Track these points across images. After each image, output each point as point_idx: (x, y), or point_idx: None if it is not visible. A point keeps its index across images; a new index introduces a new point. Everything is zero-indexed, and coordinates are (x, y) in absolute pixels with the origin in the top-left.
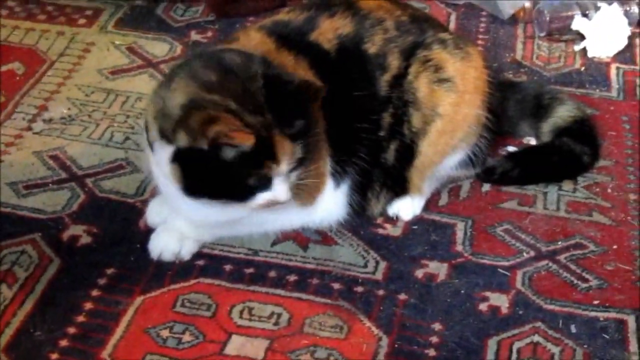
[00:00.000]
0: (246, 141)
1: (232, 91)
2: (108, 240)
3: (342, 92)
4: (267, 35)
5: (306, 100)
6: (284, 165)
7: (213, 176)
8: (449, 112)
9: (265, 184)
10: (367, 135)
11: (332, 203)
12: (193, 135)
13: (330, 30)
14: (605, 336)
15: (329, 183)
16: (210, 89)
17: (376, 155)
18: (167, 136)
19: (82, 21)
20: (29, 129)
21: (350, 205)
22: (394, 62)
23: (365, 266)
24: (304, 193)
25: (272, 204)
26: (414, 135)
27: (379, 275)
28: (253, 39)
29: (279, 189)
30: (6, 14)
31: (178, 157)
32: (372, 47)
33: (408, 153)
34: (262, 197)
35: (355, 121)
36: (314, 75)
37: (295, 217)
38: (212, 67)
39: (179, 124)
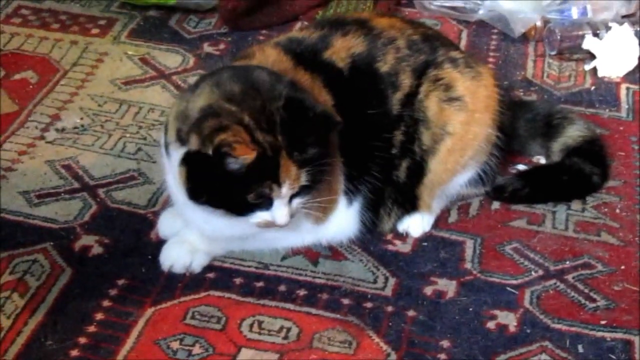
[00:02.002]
0: (247, 155)
1: (250, 106)
2: (119, 251)
3: (355, 111)
4: (284, 53)
5: (323, 130)
6: (286, 189)
7: (215, 184)
8: (459, 130)
9: (265, 203)
10: (379, 153)
11: (344, 221)
12: (203, 139)
13: (343, 49)
14: (612, 356)
15: (342, 201)
16: (231, 99)
17: (388, 173)
18: (182, 138)
19: (95, 31)
20: (42, 138)
21: (362, 222)
22: (405, 80)
23: (375, 282)
24: (317, 212)
25: (270, 225)
26: (424, 153)
27: (388, 292)
28: (270, 56)
29: (278, 212)
30: (20, 23)
31: (187, 160)
32: (384, 66)
33: (418, 171)
34: (260, 216)
35: (368, 139)
36: (327, 94)
37: (308, 235)
38: (238, 79)
39: (194, 126)
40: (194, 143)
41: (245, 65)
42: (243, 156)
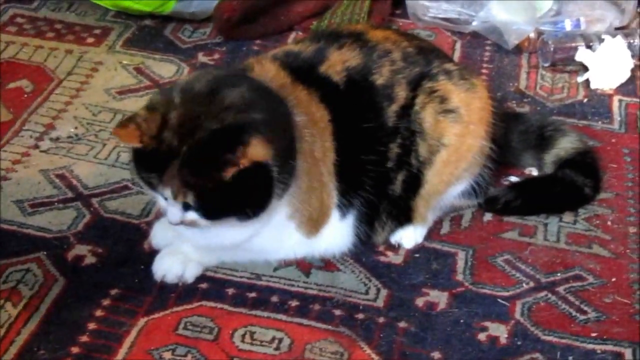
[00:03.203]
0: (129, 141)
1: (191, 108)
2: (113, 261)
3: (351, 125)
4: (282, 68)
5: (226, 179)
6: (169, 192)
7: (132, 153)
8: (454, 142)
9: (159, 191)
10: (374, 168)
11: (337, 234)
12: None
13: (339, 63)
14: None
15: (335, 214)
16: (185, 92)
17: (383, 188)
18: None
19: (90, 40)
20: (36, 147)
21: (356, 235)
22: (401, 92)
23: (367, 293)
24: (307, 224)
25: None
26: (421, 165)
27: (380, 303)
28: (269, 71)
29: (169, 208)
30: (15, 31)
31: None
32: (379, 79)
33: (415, 183)
34: (159, 200)
35: (363, 153)
36: (324, 109)
37: (299, 247)
38: (211, 83)
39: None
40: None
41: (237, 76)
42: (123, 140)
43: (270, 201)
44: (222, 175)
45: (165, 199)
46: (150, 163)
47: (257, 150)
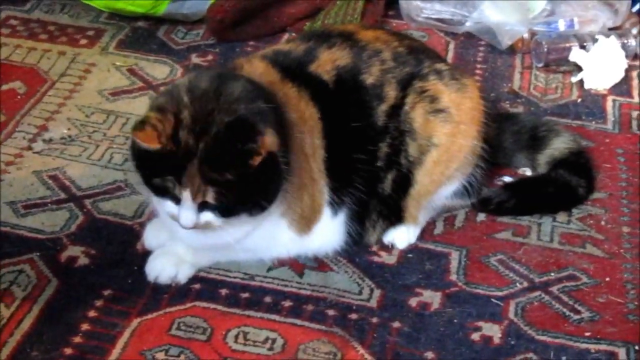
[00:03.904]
0: (148, 143)
1: (201, 106)
2: (106, 262)
3: (340, 124)
4: (271, 66)
5: (252, 167)
6: (188, 194)
7: (141, 157)
8: (445, 142)
9: (172, 195)
10: (364, 166)
11: (329, 232)
12: (148, 108)
13: (329, 62)
14: None
15: (326, 212)
16: (191, 92)
17: (373, 186)
18: None
19: (83, 41)
20: (29, 148)
21: (348, 233)
22: (390, 92)
23: (360, 293)
24: (300, 222)
25: (177, 220)
26: (410, 165)
27: (373, 303)
28: (258, 68)
29: (183, 211)
30: (8, 33)
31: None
32: (369, 78)
33: (405, 182)
34: (169, 207)
35: (353, 152)
36: (313, 107)
37: (292, 246)
38: (212, 80)
39: (155, 98)
40: None
41: (234, 73)
42: (144, 142)
43: (279, 191)
44: (249, 164)
45: (177, 203)
46: (167, 166)
47: (272, 140)
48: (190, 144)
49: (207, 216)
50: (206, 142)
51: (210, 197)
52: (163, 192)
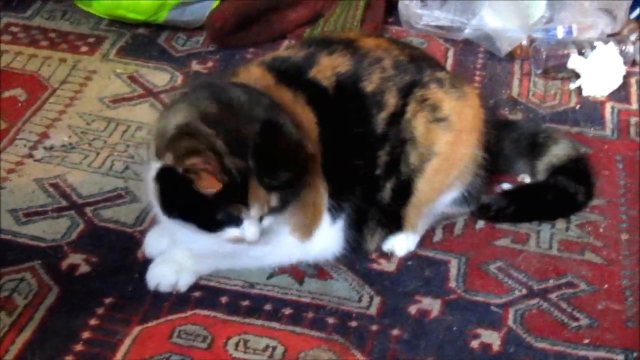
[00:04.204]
0: (211, 187)
1: (226, 129)
2: (106, 270)
3: (339, 130)
4: (267, 71)
5: (297, 158)
6: (255, 211)
7: (186, 200)
8: (445, 150)
9: (234, 220)
10: (363, 173)
11: (328, 238)
12: (177, 157)
13: (328, 68)
14: None
15: (326, 218)
16: (207, 119)
17: (372, 194)
18: (159, 154)
19: (84, 49)
20: (30, 156)
21: (346, 240)
22: (390, 100)
23: (360, 301)
24: (301, 227)
25: (241, 240)
26: (411, 173)
27: (373, 310)
28: (253, 74)
29: (249, 229)
30: (9, 40)
31: (162, 175)
32: (369, 86)
33: (405, 190)
34: (231, 232)
35: (351, 159)
36: (310, 111)
37: (293, 252)
38: (216, 98)
39: (169, 143)
40: (168, 159)
41: (225, 82)
42: (209, 188)
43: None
44: (303, 153)
45: (238, 224)
46: (231, 197)
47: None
48: (241, 167)
49: (267, 222)
50: (252, 156)
51: (274, 202)
52: (227, 222)
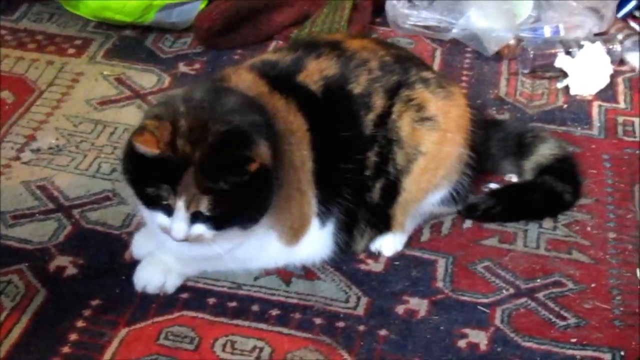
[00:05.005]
0: (147, 147)
1: (197, 114)
2: (94, 272)
3: (329, 134)
4: (259, 77)
5: (248, 177)
6: (182, 202)
7: (131, 159)
8: (432, 150)
9: (165, 207)
10: (353, 176)
11: (317, 242)
12: (143, 118)
13: (316, 72)
14: None
15: (314, 223)
16: (188, 102)
17: (362, 195)
18: None
19: (71, 51)
20: (18, 158)
21: (336, 243)
22: (378, 101)
23: (347, 301)
24: (288, 233)
25: (168, 233)
26: (398, 173)
27: (360, 311)
28: (245, 80)
29: (175, 223)
30: None
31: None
32: (357, 88)
33: (392, 190)
34: (161, 219)
35: (341, 162)
36: (302, 118)
37: (280, 256)
38: (209, 92)
39: (148, 108)
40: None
41: (227, 85)
42: (143, 146)
43: (271, 204)
44: (244, 172)
45: (169, 215)
46: (163, 173)
47: (264, 151)
48: (187, 152)
49: (199, 229)
50: (202, 150)
51: (204, 207)
52: (155, 202)
